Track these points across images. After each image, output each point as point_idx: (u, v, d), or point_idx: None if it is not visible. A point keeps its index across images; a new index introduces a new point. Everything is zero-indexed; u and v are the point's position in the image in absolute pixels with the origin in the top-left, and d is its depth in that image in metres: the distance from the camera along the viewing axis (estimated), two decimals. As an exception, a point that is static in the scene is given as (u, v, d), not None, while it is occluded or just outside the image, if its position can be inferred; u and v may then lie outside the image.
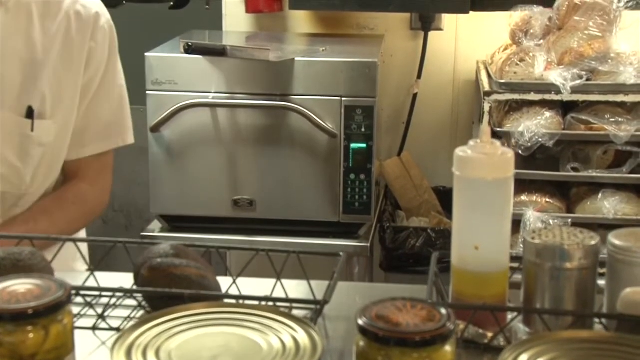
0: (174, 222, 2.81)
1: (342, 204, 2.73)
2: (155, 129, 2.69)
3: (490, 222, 1.16)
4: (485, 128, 1.16)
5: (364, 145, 2.68)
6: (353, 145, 2.68)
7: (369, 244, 2.73)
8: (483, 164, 1.15)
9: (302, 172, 2.72)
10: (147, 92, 2.69)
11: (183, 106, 2.66)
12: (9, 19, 1.75)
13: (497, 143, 1.17)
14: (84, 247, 1.70)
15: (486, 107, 2.64)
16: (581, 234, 1.19)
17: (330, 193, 2.72)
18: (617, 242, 1.16)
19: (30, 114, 1.77)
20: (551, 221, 2.60)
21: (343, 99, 2.66)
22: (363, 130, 2.67)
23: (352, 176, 2.71)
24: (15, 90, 1.76)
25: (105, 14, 1.91)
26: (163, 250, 1.23)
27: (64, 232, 1.79)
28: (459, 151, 1.17)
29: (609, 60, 2.59)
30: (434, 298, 1.23)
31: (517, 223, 2.60)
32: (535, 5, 2.77)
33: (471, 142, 1.17)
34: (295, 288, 1.38)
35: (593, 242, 1.17)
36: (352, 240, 2.74)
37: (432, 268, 1.28)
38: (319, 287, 1.33)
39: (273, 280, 1.28)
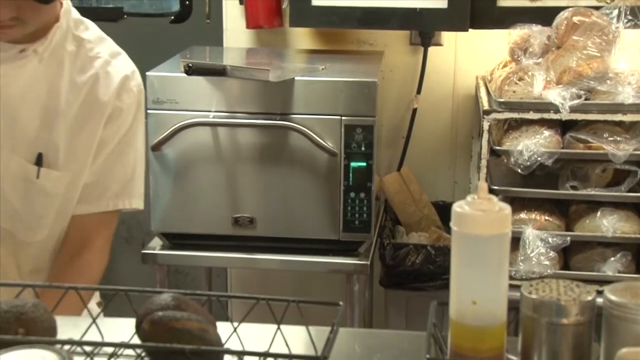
0: (174, 240, 2.82)
1: (342, 222, 2.74)
2: (157, 147, 2.70)
3: (487, 278, 1.18)
4: (482, 184, 1.18)
5: (363, 164, 2.70)
6: (353, 164, 2.70)
7: (368, 262, 2.75)
8: (480, 220, 1.17)
9: (302, 190, 2.73)
10: (148, 111, 2.69)
11: (184, 125, 2.67)
12: (40, 66, 1.78)
13: (494, 199, 1.18)
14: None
15: (485, 125, 2.65)
16: (577, 288, 1.21)
17: (330, 211, 2.73)
18: (613, 298, 1.17)
19: (38, 161, 1.79)
20: (550, 239, 2.62)
21: (343, 118, 2.67)
22: (363, 149, 2.68)
23: (352, 194, 2.72)
24: (29, 135, 1.79)
25: (136, 78, 1.93)
26: (164, 301, 1.25)
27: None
28: (457, 207, 1.19)
29: (608, 80, 2.60)
30: (432, 350, 1.25)
31: (516, 241, 2.62)
32: (534, 24, 2.78)
33: (469, 198, 1.19)
34: (296, 335, 1.39)
35: (589, 298, 1.18)
36: (352, 258, 2.76)
37: (430, 319, 1.30)
38: (320, 334, 1.34)
39: (273, 327, 1.30)
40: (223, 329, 1.32)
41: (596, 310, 1.20)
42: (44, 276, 1.95)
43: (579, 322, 1.18)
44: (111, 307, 1.45)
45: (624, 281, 1.19)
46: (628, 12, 2.67)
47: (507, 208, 1.18)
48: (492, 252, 1.17)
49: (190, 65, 2.63)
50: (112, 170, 1.94)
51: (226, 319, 1.42)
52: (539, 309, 1.19)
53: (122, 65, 1.92)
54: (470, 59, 3.26)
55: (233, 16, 3.35)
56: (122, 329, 1.36)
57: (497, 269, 1.18)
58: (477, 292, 1.18)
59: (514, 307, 1.25)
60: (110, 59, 1.89)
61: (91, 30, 1.92)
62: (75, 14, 1.88)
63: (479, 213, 1.17)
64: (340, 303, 1.31)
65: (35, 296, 1.32)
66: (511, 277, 2.52)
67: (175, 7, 3.54)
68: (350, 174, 2.71)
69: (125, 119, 1.91)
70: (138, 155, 1.99)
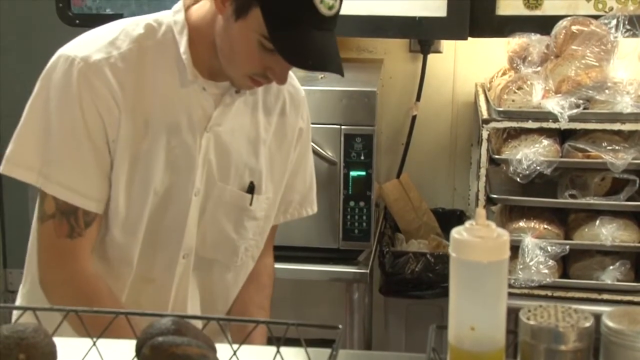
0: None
1: (342, 230, 2.75)
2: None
3: (485, 304, 1.18)
4: (480, 211, 1.18)
5: (363, 173, 2.71)
6: (352, 173, 2.71)
7: (368, 271, 2.76)
8: (479, 247, 1.17)
9: (302, 199, 2.74)
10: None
11: (183, 134, 2.67)
12: (241, 100, 1.84)
13: (493, 225, 1.19)
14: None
15: (484, 134, 2.65)
16: (575, 314, 1.21)
17: (330, 220, 2.75)
18: (610, 324, 1.18)
19: (251, 189, 1.87)
20: (549, 248, 2.62)
21: (342, 127, 2.68)
22: (362, 158, 2.69)
23: (352, 203, 2.73)
24: (241, 166, 1.86)
25: (304, 93, 2.01)
26: (164, 325, 1.25)
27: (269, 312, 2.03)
28: (455, 233, 1.19)
29: (606, 90, 2.60)
30: (431, 375, 1.26)
31: (515, 249, 2.63)
32: (532, 33, 2.78)
33: (467, 224, 1.19)
34: (295, 357, 1.40)
35: (587, 324, 1.19)
36: (352, 267, 2.77)
37: (429, 344, 1.30)
38: (319, 356, 1.35)
39: (272, 350, 1.30)
40: (223, 351, 1.33)
41: (594, 336, 1.20)
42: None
43: (577, 349, 1.19)
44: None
45: (622, 306, 1.20)
46: (626, 22, 2.68)
47: (505, 234, 1.19)
48: (491, 278, 1.18)
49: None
50: (294, 184, 2.02)
51: (225, 336, 1.42)
52: (537, 335, 1.20)
53: (297, 83, 1.99)
54: (470, 66, 3.27)
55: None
56: (122, 352, 1.36)
57: (496, 295, 1.19)
58: (475, 318, 1.19)
59: (511, 330, 1.25)
60: (290, 79, 1.91)
61: None
62: None
63: (478, 240, 1.17)
64: (340, 326, 1.31)
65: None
66: (510, 286, 2.54)
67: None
68: (350, 183, 2.72)
69: (305, 137, 2.00)
70: (312, 164, 2.08)
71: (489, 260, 1.18)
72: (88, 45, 1.75)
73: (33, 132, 1.74)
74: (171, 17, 1.79)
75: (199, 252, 1.89)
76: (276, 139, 1.92)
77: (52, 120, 1.72)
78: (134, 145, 1.76)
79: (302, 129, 1.97)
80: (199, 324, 1.63)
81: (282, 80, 1.73)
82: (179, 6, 1.81)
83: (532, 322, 1.20)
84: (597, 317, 1.24)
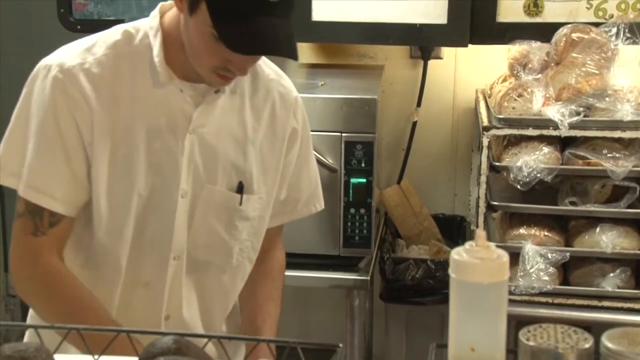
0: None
1: (343, 237, 2.76)
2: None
3: (485, 325, 1.19)
4: (480, 232, 1.19)
5: (363, 180, 2.71)
6: (353, 180, 2.72)
7: (369, 277, 2.77)
8: (479, 268, 1.18)
9: (303, 206, 2.74)
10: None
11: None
12: (226, 100, 1.85)
13: (492, 246, 1.20)
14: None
15: (485, 141, 2.66)
16: (575, 335, 1.22)
17: (331, 227, 2.75)
18: (610, 346, 1.19)
19: (240, 189, 1.88)
20: (549, 255, 2.63)
21: (343, 134, 2.69)
22: (363, 165, 2.70)
23: (352, 210, 2.74)
24: (228, 167, 1.87)
25: (298, 94, 2.01)
26: (165, 344, 1.26)
27: (281, 303, 2.07)
28: (455, 254, 1.20)
29: (606, 97, 2.61)
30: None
31: (515, 256, 2.63)
32: (533, 40, 2.79)
33: (467, 245, 1.20)
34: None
35: (587, 345, 1.20)
36: (352, 274, 2.78)
37: (429, 363, 1.31)
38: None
39: (274, 367, 1.31)
40: (224, 368, 1.34)
41: (594, 357, 1.21)
42: (233, 325, 2.08)
43: (576, 370, 1.19)
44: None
45: (621, 327, 1.20)
46: (627, 29, 2.68)
47: (505, 256, 1.20)
48: (491, 299, 1.19)
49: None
50: (300, 183, 2.04)
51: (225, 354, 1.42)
52: (537, 357, 1.20)
53: (289, 84, 2.00)
54: (470, 72, 3.27)
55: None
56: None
57: (496, 315, 1.20)
58: (475, 338, 1.19)
59: (511, 350, 1.26)
60: (279, 79, 1.97)
61: None
62: None
63: (478, 261, 1.18)
64: (340, 345, 1.32)
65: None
66: (511, 293, 2.55)
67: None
68: (351, 190, 2.72)
69: (303, 137, 2.00)
70: (314, 160, 2.09)
71: (489, 282, 1.18)
72: (66, 52, 1.81)
73: (16, 138, 1.79)
74: (148, 23, 1.83)
75: (191, 254, 1.89)
76: (267, 139, 1.93)
77: (30, 125, 1.77)
78: (113, 150, 1.79)
79: (296, 130, 1.97)
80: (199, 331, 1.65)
81: (243, 71, 1.73)
82: (155, 12, 1.85)
83: (531, 343, 1.21)
84: (597, 337, 1.24)
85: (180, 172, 1.83)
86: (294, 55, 1.70)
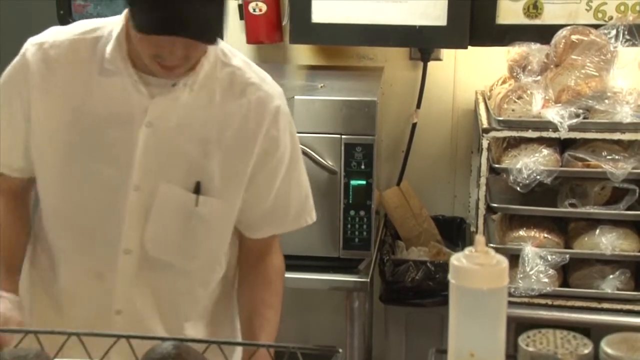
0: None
1: (342, 239, 2.76)
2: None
3: (485, 330, 1.19)
4: (479, 238, 1.19)
5: (363, 182, 2.71)
6: (353, 182, 2.72)
7: (368, 279, 2.77)
8: (478, 274, 1.18)
9: (303, 208, 2.74)
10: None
11: (184, 144, 2.68)
12: (191, 97, 1.82)
13: (492, 252, 1.20)
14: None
15: (484, 143, 2.66)
16: (575, 340, 1.22)
17: (331, 229, 2.75)
18: (609, 351, 1.19)
19: (197, 189, 1.84)
20: (549, 257, 2.63)
21: (343, 136, 2.69)
22: (363, 167, 2.70)
23: (352, 212, 2.74)
24: (186, 165, 1.83)
25: (284, 102, 1.95)
26: (165, 350, 1.26)
27: (280, 309, 2.04)
28: (454, 260, 1.20)
29: (606, 100, 2.61)
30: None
31: (515, 258, 2.63)
32: (532, 42, 2.79)
33: (466, 251, 1.20)
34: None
35: (586, 351, 1.20)
36: (352, 276, 2.78)
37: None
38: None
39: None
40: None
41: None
42: (200, 325, 2.02)
43: (576, 375, 1.19)
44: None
45: (621, 332, 1.20)
46: (626, 31, 2.68)
47: (504, 261, 1.20)
48: (490, 305, 1.19)
49: (190, 85, 2.64)
50: (290, 194, 1.99)
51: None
52: (535, 362, 1.21)
53: (272, 90, 1.93)
54: (470, 73, 3.27)
55: (233, 31, 3.37)
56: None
57: (495, 321, 1.20)
58: (475, 344, 1.19)
59: (511, 355, 1.26)
60: (261, 84, 1.90)
61: (238, 56, 1.94)
62: (222, 43, 1.89)
63: (477, 267, 1.18)
64: (340, 350, 1.32)
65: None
66: (510, 295, 2.55)
67: (176, 20, 3.54)
68: (350, 192, 2.72)
69: (286, 144, 1.94)
70: (304, 172, 2.04)
71: (488, 287, 1.18)
72: (50, 30, 1.90)
73: None
74: (119, 17, 1.84)
75: (147, 251, 1.87)
76: (236, 143, 1.87)
77: None
78: (61, 136, 1.81)
79: (275, 138, 1.91)
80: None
81: (173, 57, 1.70)
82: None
83: (531, 349, 1.21)
84: (596, 340, 1.24)
85: (133, 165, 1.81)
86: (204, 38, 1.67)
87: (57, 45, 1.84)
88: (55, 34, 1.87)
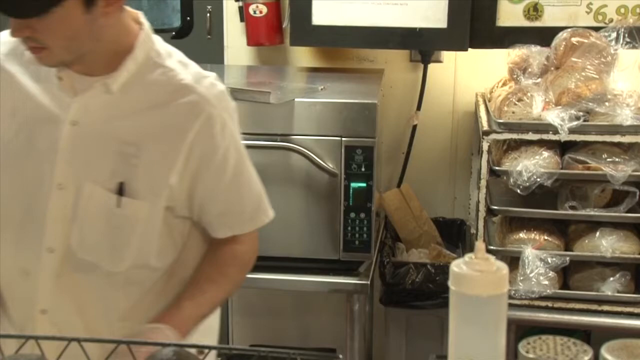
0: (176, 259, 2.84)
1: (342, 242, 2.76)
2: (158, 168, 2.72)
3: (485, 337, 1.19)
4: (479, 245, 1.19)
5: (363, 185, 2.71)
6: (353, 185, 2.71)
7: (369, 282, 2.76)
8: (478, 281, 1.18)
9: (303, 210, 2.75)
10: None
11: (185, 146, 2.69)
12: (118, 98, 1.80)
13: (492, 259, 1.20)
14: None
15: (485, 146, 2.66)
16: (574, 347, 1.22)
17: (331, 231, 2.75)
18: (609, 358, 1.19)
19: (120, 190, 1.80)
20: (549, 259, 2.63)
21: (343, 139, 2.69)
22: (363, 169, 2.70)
23: (352, 215, 2.74)
24: (110, 165, 1.80)
25: (224, 103, 1.89)
26: (166, 356, 1.26)
27: (229, 294, 2.02)
28: (455, 267, 1.20)
29: (606, 102, 2.61)
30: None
31: (515, 260, 2.64)
32: (532, 45, 2.79)
33: (466, 258, 1.20)
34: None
35: (586, 358, 1.20)
36: (352, 278, 2.78)
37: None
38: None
39: (274, 377, 1.30)
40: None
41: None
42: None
43: (576, 382, 1.20)
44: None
45: (621, 339, 1.20)
46: (626, 34, 2.69)
47: (504, 268, 1.20)
48: (490, 311, 1.19)
49: (191, 88, 2.64)
50: (242, 196, 1.96)
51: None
52: (535, 369, 1.21)
53: (206, 92, 1.85)
54: (470, 76, 3.27)
55: (234, 33, 3.37)
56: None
57: (495, 327, 1.20)
58: (475, 350, 1.20)
59: None
60: (194, 86, 1.83)
61: (174, 57, 1.89)
62: (160, 43, 1.87)
63: (477, 274, 1.18)
64: (340, 356, 1.32)
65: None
66: (511, 297, 2.55)
67: (177, 22, 3.55)
68: (351, 195, 2.72)
69: (226, 147, 1.88)
70: (253, 173, 2.00)
71: (488, 294, 1.19)
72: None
73: None
74: None
75: (76, 252, 1.84)
76: (163, 145, 1.82)
77: None
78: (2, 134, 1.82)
79: (213, 142, 1.85)
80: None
81: (23, 40, 1.71)
82: None
83: (531, 356, 1.21)
84: (596, 344, 1.24)
85: (56, 162, 1.80)
86: (15, 13, 1.66)
87: (8, 41, 1.83)
88: (3, 35, 1.87)
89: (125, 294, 1.92)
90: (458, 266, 1.20)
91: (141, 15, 1.88)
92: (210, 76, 1.89)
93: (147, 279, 1.93)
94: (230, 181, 1.91)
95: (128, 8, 1.83)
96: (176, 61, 1.88)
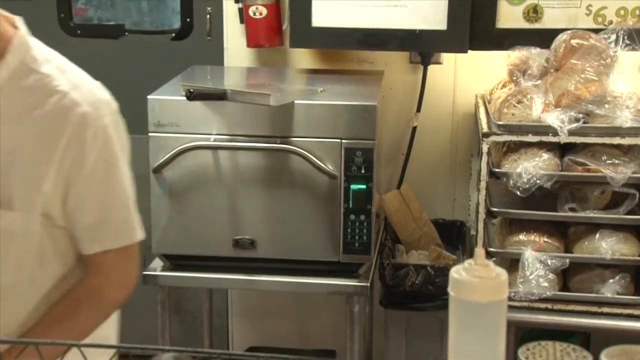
0: (175, 261, 2.84)
1: (342, 244, 2.76)
2: (158, 170, 2.72)
3: (485, 343, 1.19)
4: (479, 250, 1.19)
5: (363, 187, 2.71)
6: (353, 187, 2.71)
7: (368, 284, 2.76)
8: (478, 287, 1.17)
9: (303, 212, 2.75)
10: (150, 134, 2.72)
11: (185, 148, 2.69)
12: None
13: (491, 265, 1.19)
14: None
15: (484, 147, 2.66)
16: (574, 353, 1.22)
17: (331, 233, 2.75)
18: (608, 363, 1.19)
19: None
20: (549, 261, 2.63)
21: (343, 141, 2.69)
22: (363, 171, 2.70)
23: (352, 217, 2.74)
24: None
25: (101, 109, 1.81)
26: (165, 361, 1.26)
27: (81, 336, 1.81)
28: (454, 273, 1.20)
29: (606, 104, 2.61)
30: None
31: (515, 262, 2.64)
32: (532, 46, 2.79)
33: (466, 264, 1.20)
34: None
35: (585, 364, 1.20)
36: (352, 280, 2.78)
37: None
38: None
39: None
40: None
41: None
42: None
43: (575, 388, 1.20)
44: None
45: (620, 345, 1.20)
46: (626, 36, 2.69)
47: (504, 274, 1.19)
48: (490, 318, 1.18)
49: (191, 90, 2.64)
50: (110, 206, 1.86)
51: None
52: (535, 374, 1.21)
53: (80, 98, 1.78)
54: (470, 77, 3.28)
55: (234, 34, 3.37)
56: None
57: (495, 334, 1.19)
58: (474, 357, 1.19)
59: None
60: (69, 92, 1.76)
61: (53, 62, 1.82)
62: (38, 49, 1.80)
63: (476, 280, 1.18)
64: (339, 361, 1.32)
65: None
66: (510, 299, 2.55)
67: (177, 24, 3.55)
68: (350, 197, 2.72)
69: (97, 155, 1.80)
70: (128, 186, 1.89)
71: (488, 300, 1.18)
72: None
73: None
74: None
75: None
76: (36, 153, 1.76)
77: None
78: None
79: (82, 150, 1.77)
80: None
81: None
82: None
83: (530, 361, 1.21)
84: (596, 347, 1.24)
85: None
86: None
87: None
88: None
89: (16, 304, 1.84)
90: (458, 272, 1.19)
91: (18, 20, 1.81)
92: (92, 84, 1.83)
93: (32, 291, 1.86)
94: (100, 189, 1.83)
95: (4, 12, 1.77)
96: (54, 67, 1.81)
